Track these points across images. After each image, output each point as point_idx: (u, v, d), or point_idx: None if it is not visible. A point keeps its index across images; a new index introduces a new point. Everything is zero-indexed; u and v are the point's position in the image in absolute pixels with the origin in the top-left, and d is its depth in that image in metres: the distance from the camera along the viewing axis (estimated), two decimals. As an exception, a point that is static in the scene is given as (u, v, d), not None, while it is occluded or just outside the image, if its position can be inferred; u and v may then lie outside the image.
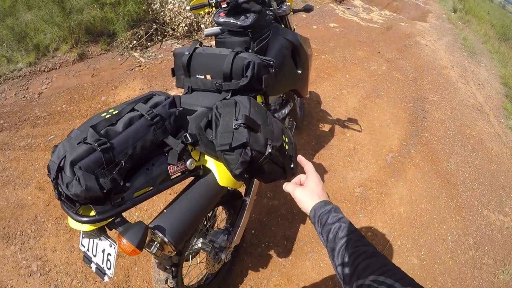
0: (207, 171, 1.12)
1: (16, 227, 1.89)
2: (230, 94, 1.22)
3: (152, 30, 3.64)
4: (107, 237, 0.90)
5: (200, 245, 1.34)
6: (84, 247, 0.98)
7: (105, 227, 0.87)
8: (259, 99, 1.54)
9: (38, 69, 3.12)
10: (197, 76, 1.28)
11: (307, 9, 1.99)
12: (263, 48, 1.52)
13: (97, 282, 1.68)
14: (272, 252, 1.91)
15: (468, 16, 8.58)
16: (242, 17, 1.41)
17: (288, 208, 2.16)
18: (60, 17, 3.30)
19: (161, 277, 1.19)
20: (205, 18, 3.97)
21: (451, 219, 2.42)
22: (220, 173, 1.10)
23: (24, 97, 2.87)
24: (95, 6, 3.59)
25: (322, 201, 0.67)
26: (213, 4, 1.54)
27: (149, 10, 3.69)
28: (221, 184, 1.10)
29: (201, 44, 1.38)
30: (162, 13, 3.76)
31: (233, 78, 1.22)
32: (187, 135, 1.00)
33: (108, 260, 0.90)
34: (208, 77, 1.26)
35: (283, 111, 1.94)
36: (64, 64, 3.24)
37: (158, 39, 3.72)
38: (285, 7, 1.85)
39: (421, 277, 1.99)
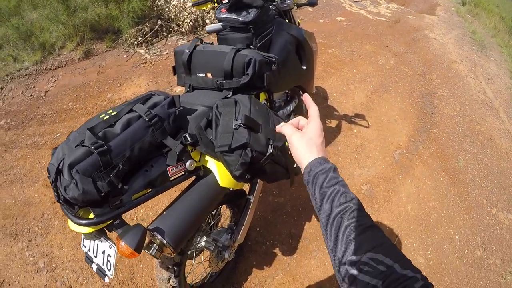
0: (208, 171, 1.10)
1: (24, 225, 1.93)
2: (231, 93, 1.20)
3: (157, 27, 3.63)
4: (107, 238, 0.90)
5: (203, 243, 1.34)
6: (85, 247, 0.98)
7: (105, 229, 0.87)
8: (263, 96, 1.51)
9: (44, 68, 3.15)
10: (197, 74, 1.26)
11: (312, 3, 1.93)
12: (266, 44, 1.49)
13: (103, 279, 1.70)
14: (276, 250, 1.90)
15: (477, 9, 8.33)
16: (244, 13, 1.38)
17: (294, 206, 2.14)
18: (65, 16, 3.32)
19: (164, 276, 1.19)
20: (210, 14, 3.93)
21: (459, 218, 2.38)
22: (221, 173, 1.08)
23: (31, 95, 2.90)
24: (99, 3, 3.60)
25: (320, 158, 0.59)
26: (215, 0, 1.52)
27: (153, 6, 3.68)
28: (222, 185, 1.09)
29: (202, 41, 1.35)
30: (167, 9, 3.74)
31: (234, 76, 1.19)
32: (187, 135, 0.98)
33: (108, 261, 0.90)
34: (209, 75, 1.23)
35: (288, 108, 1.90)
36: (70, 62, 3.26)
37: (163, 35, 3.71)
38: (288, 1, 1.80)
39: (428, 277, 1.95)
